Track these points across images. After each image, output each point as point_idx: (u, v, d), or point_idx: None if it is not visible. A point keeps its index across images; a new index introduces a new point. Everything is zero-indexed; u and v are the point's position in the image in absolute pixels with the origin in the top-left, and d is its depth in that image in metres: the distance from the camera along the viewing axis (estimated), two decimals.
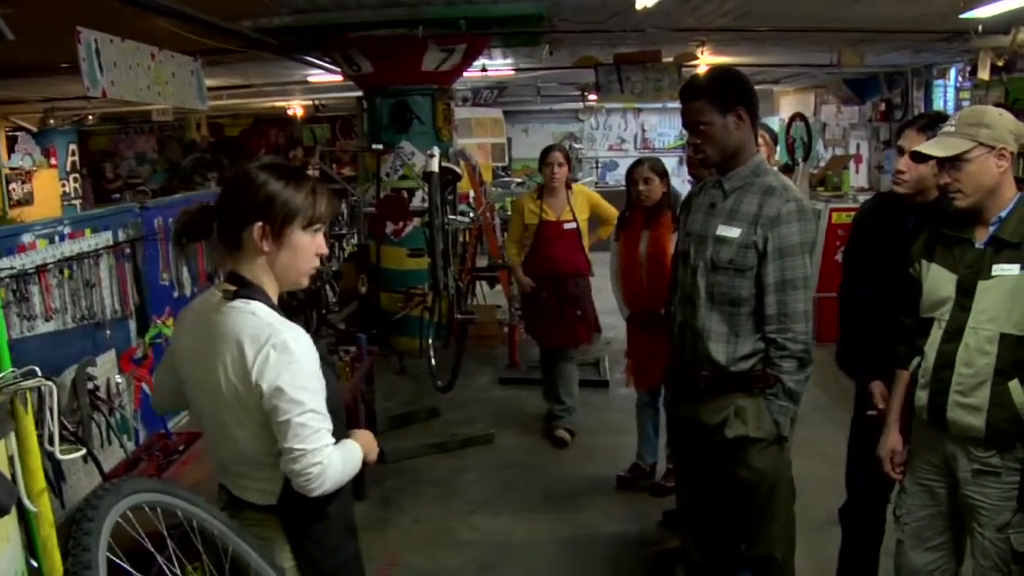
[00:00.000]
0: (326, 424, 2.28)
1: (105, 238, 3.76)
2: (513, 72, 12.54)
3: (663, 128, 20.72)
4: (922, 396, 3.13)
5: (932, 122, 3.40)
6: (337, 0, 7.22)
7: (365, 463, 2.50)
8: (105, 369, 3.68)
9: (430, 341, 6.99)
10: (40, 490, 2.07)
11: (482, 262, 10.15)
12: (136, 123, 19.29)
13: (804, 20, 8.20)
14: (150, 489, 2.14)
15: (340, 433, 2.44)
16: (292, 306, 8.32)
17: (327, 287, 9.64)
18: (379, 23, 7.94)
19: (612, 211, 6.74)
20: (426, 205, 6.60)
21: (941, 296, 3.06)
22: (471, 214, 9.20)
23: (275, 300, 2.39)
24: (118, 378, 3.69)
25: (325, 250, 2.45)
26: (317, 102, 14.63)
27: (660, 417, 5.60)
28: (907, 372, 3.25)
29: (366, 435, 2.59)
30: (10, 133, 15.60)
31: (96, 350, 3.67)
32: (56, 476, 3.16)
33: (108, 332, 3.73)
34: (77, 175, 17.79)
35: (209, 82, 11.59)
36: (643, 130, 21.24)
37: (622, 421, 6.71)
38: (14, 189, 14.69)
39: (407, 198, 8.13)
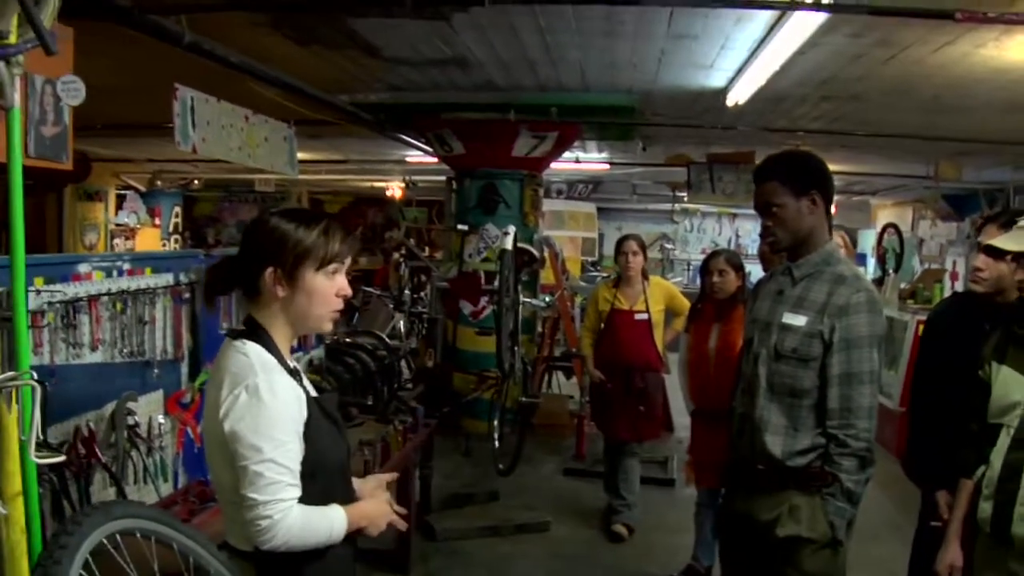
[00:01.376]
0: (287, 478, 2.18)
1: (165, 279, 3.78)
2: (607, 166, 12.55)
3: (757, 235, 20.47)
4: (986, 508, 2.92)
5: (1014, 217, 3.24)
6: (432, 80, 7.33)
7: (362, 533, 2.41)
8: (149, 408, 3.68)
9: (496, 423, 6.89)
10: (15, 493, 2.02)
11: (559, 352, 10.06)
12: (240, 191, 19.77)
13: (900, 127, 8.08)
14: (146, 516, 2.08)
15: (337, 495, 2.36)
16: (363, 378, 8.38)
17: (402, 362, 9.64)
18: (472, 105, 8.06)
19: (687, 305, 6.60)
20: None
21: (1011, 400, 2.88)
22: (548, 300, 9.12)
23: (284, 345, 2.35)
24: (162, 419, 3.66)
25: (348, 291, 2.38)
26: (410, 180, 14.82)
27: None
28: (971, 481, 3.05)
29: (373, 505, 2.48)
30: (120, 191, 16.13)
31: (143, 388, 3.67)
32: (82, 507, 3.13)
33: (156, 371, 3.73)
34: (179, 237, 18.30)
35: (308, 155, 12.03)
36: (737, 235, 21.09)
37: (683, 521, 6.44)
38: (117, 244, 15.20)
39: (486, 279, 8.09)
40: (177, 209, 18.56)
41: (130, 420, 3.40)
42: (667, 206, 19.46)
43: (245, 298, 2.34)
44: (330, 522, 2.29)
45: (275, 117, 6.65)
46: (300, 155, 10.44)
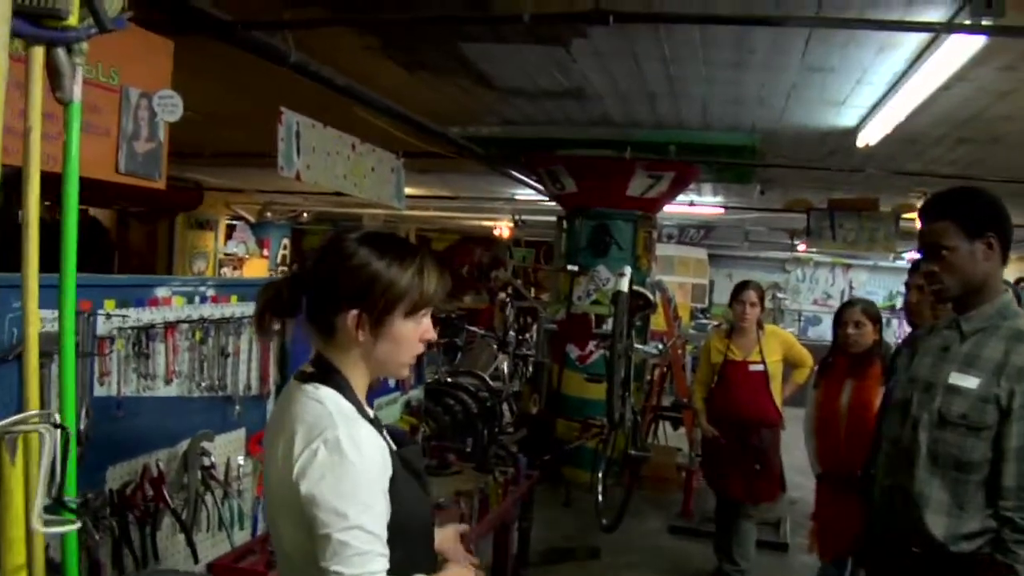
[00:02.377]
0: (376, 547, 1.85)
1: (252, 308, 3.50)
2: (722, 211, 12.15)
3: (872, 287, 19.76)
4: None
5: None
6: (546, 113, 7.07)
7: None
8: (228, 448, 3.40)
9: (600, 475, 6.51)
10: (16, 567, 1.69)
11: (668, 401, 9.64)
12: (348, 225, 19.80)
13: None
14: None
15: (421, 563, 2.05)
16: (463, 421, 8.11)
17: (504, 405, 9.36)
18: (587, 141, 7.81)
19: (806, 355, 6.22)
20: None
21: None
22: (660, 347, 8.73)
23: (361, 390, 2.04)
24: (241, 460, 3.36)
25: (432, 336, 2.07)
26: (519, 218, 14.63)
27: None
28: None
29: (457, 572, 2.19)
30: (230, 221, 16.30)
31: (222, 426, 3.39)
32: (143, 557, 2.85)
33: (238, 408, 3.44)
34: (286, 268, 18.40)
35: (416, 190, 11.90)
36: (851, 287, 20.39)
37: None
38: (225, 273, 15.33)
39: (595, 323, 7.74)
40: (285, 241, 18.73)
41: (205, 460, 3.11)
42: (780, 254, 19.06)
43: (315, 332, 2.03)
44: None
45: (382, 147, 6.45)
46: (408, 190, 10.34)
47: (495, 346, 10.92)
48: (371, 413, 2.06)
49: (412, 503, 2.01)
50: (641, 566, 6.54)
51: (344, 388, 1.97)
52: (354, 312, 1.93)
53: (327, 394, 1.93)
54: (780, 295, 19.81)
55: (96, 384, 2.69)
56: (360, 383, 2.03)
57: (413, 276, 1.97)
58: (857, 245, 10.07)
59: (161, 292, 3.06)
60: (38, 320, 1.83)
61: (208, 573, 3.14)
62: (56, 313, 2.50)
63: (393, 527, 1.91)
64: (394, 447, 2.04)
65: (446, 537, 2.35)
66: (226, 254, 15.81)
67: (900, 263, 18.62)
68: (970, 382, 2.68)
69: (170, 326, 3.02)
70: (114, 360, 2.78)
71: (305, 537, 1.87)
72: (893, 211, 9.72)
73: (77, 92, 1.80)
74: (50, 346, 2.05)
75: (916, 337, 3.08)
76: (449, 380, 8.93)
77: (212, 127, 7.98)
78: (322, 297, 1.97)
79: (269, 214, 16.29)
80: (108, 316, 2.74)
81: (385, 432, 2.07)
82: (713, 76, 5.57)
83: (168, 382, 3.03)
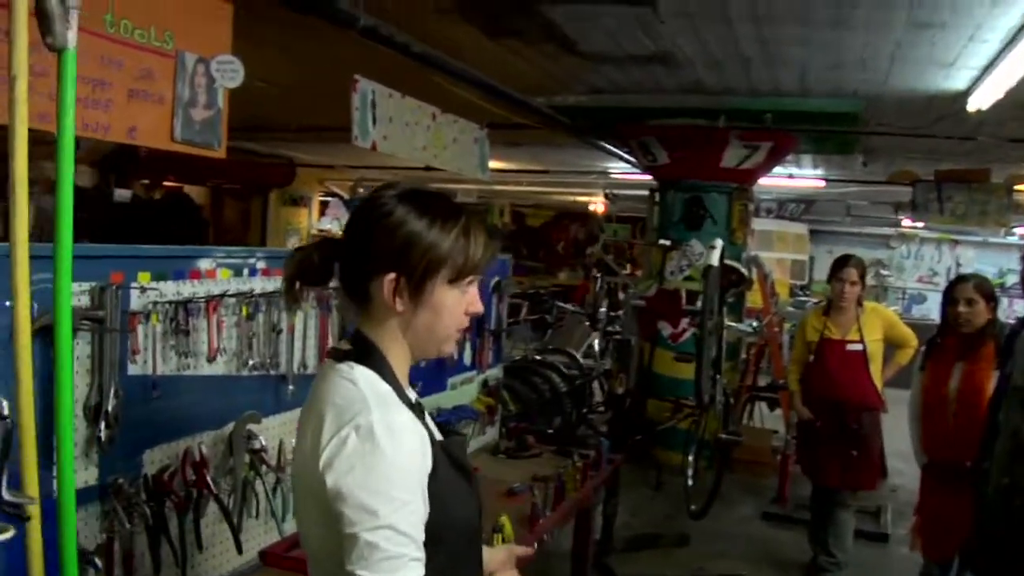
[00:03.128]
0: (410, 550, 1.61)
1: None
2: (822, 184, 11.69)
3: (981, 264, 18.92)
4: None
5: None
6: (635, 81, 6.77)
7: None
8: (282, 430, 3.17)
9: (691, 459, 6.24)
10: None
11: (764, 381, 9.30)
12: (389, 182, 19.81)
13: None
14: None
15: (463, 569, 1.82)
16: (551, 399, 7.92)
17: (593, 384, 9.14)
18: (678, 110, 7.51)
19: (910, 334, 5.83)
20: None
21: None
22: (755, 325, 8.39)
23: (403, 371, 1.81)
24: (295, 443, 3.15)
25: (479, 308, 1.84)
26: (611, 193, 14.38)
27: None
28: None
29: None
30: (323, 197, 16.32)
31: (275, 407, 3.17)
32: (181, 547, 2.69)
33: (292, 388, 3.20)
34: None
35: (506, 164, 11.73)
36: (958, 264, 19.61)
37: None
38: None
39: (687, 299, 7.43)
40: None
41: (255, 443, 2.92)
42: (883, 230, 18.51)
43: (350, 303, 1.81)
44: None
45: (464, 118, 6.24)
46: (498, 164, 10.17)
47: (587, 323, 10.70)
48: (413, 397, 1.84)
49: (456, 502, 1.78)
50: (730, 555, 6.25)
51: (382, 368, 1.74)
52: (391, 276, 1.70)
53: (362, 374, 1.71)
54: (884, 272, 19.17)
55: (128, 363, 2.52)
56: (401, 363, 1.80)
57: (458, 238, 1.74)
58: (966, 219, 9.61)
59: (204, 264, 2.84)
60: (28, 298, 1.65)
61: (260, 562, 2.98)
62: (83, 286, 2.38)
63: (432, 529, 1.68)
64: (439, 436, 1.83)
65: (496, 559, 2.10)
66: (319, 230, 15.83)
67: (1011, 239, 17.86)
68: None
69: (214, 300, 2.81)
70: (147, 337, 2.59)
71: (331, 535, 1.65)
72: (1005, 182, 9.22)
73: (71, 39, 1.61)
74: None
75: None
76: (537, 358, 8.75)
77: (295, 100, 7.89)
78: (356, 261, 1.75)
79: (361, 190, 16.26)
80: (143, 290, 2.55)
81: (428, 419, 1.85)
82: (811, 37, 5.22)
83: (212, 360, 2.83)
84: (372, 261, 1.72)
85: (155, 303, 2.58)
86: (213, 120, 3.43)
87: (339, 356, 1.77)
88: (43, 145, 1.78)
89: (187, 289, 2.72)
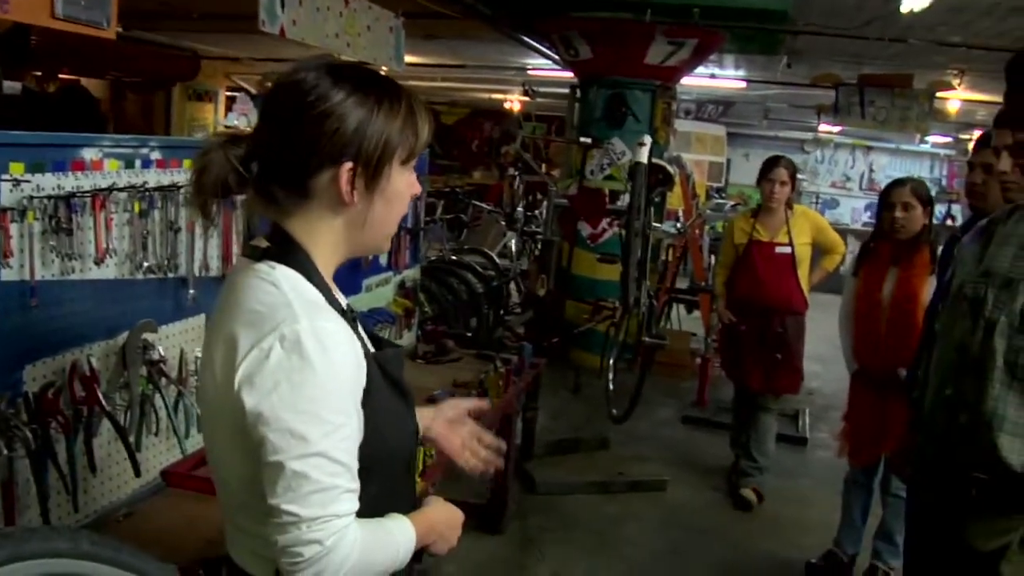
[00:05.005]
0: (343, 480, 1.43)
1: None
2: (744, 84, 11.52)
3: (893, 170, 19.11)
4: None
5: None
6: None
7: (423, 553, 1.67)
8: (184, 338, 2.89)
9: (611, 362, 6.12)
10: None
11: (683, 283, 9.23)
12: (301, 63, 19.34)
13: None
14: (70, 553, 1.32)
15: (399, 498, 1.64)
16: (467, 301, 7.73)
17: (511, 285, 8.98)
18: (603, 3, 7.22)
19: (838, 240, 5.78)
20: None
21: None
22: (679, 226, 8.27)
23: (329, 272, 1.57)
24: (199, 352, 2.85)
25: (419, 188, 1.63)
26: (529, 87, 14.07)
27: (872, 500, 4.62)
28: None
29: (444, 513, 1.74)
30: (230, 92, 15.69)
31: (175, 314, 2.87)
32: (71, 472, 2.43)
33: (193, 293, 2.89)
34: None
35: (421, 58, 11.31)
36: (871, 170, 19.86)
37: (817, 491, 5.71)
38: None
39: (608, 198, 7.25)
40: None
41: (152, 355, 2.63)
42: (799, 134, 18.60)
43: (270, 201, 1.54)
44: (396, 546, 1.56)
45: (380, 5, 5.88)
46: (413, 58, 9.77)
47: (503, 223, 10.48)
48: (343, 302, 1.60)
49: (392, 426, 1.58)
50: (652, 459, 6.21)
51: (308, 268, 1.51)
52: (348, 166, 1.47)
53: (285, 275, 1.48)
54: (798, 176, 19.27)
55: (1, 268, 2.19)
56: (328, 263, 1.58)
57: (407, 116, 1.53)
58: (887, 124, 9.65)
59: (89, 153, 2.48)
60: None
61: (162, 483, 2.73)
62: None
63: (366, 454, 1.48)
64: (371, 348, 1.60)
65: (439, 417, 1.97)
66: (226, 127, 15.22)
67: (924, 147, 18.06)
68: None
69: (100, 195, 2.47)
70: (20, 237, 2.25)
71: (248, 463, 1.44)
72: (928, 89, 9.20)
73: None
74: None
75: (992, 221, 2.55)
76: (453, 258, 8.53)
77: None
78: (291, 155, 1.49)
79: (269, 84, 15.68)
80: (16, 182, 2.20)
81: (361, 328, 1.62)
82: None
83: (100, 262, 2.50)
84: (315, 154, 1.47)
85: (31, 198, 2.23)
86: None
87: (256, 254, 1.53)
88: None
89: (69, 182, 2.37)
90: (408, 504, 1.67)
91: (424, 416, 1.89)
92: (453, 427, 1.99)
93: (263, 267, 1.50)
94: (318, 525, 1.39)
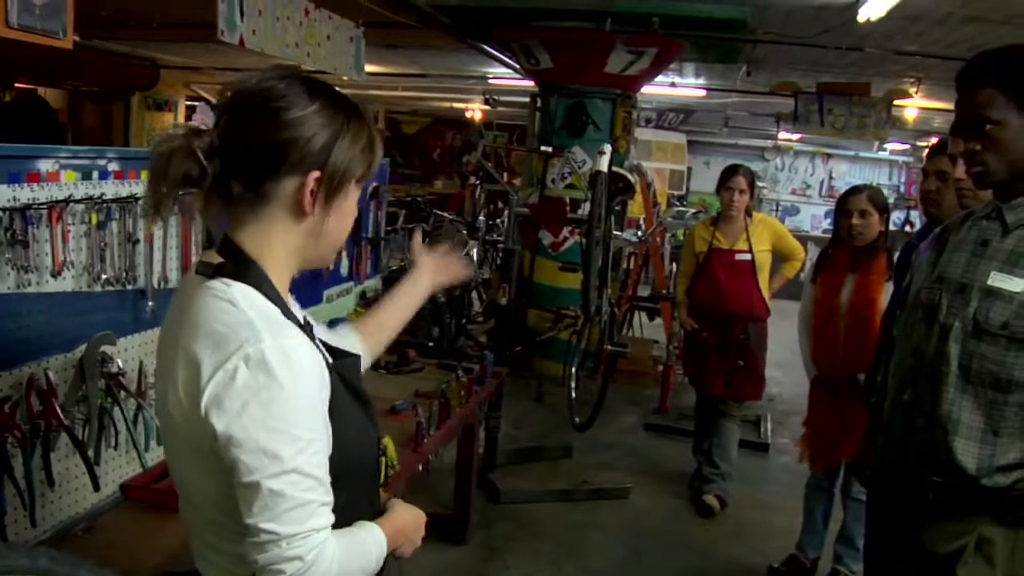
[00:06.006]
0: (317, 495, 1.44)
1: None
2: (703, 93, 11.60)
3: (852, 177, 19.31)
4: None
5: None
6: None
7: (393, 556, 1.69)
8: (141, 351, 2.87)
9: (574, 370, 6.14)
10: None
11: (645, 291, 9.27)
12: (268, 73, 19.27)
13: None
14: (28, 570, 1.32)
15: (364, 505, 1.64)
16: (429, 310, 7.70)
17: (472, 294, 8.96)
18: (563, 12, 7.23)
19: (797, 246, 5.82)
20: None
21: None
22: (640, 234, 8.30)
23: (284, 286, 1.57)
24: None
25: (356, 210, 1.65)
26: (490, 96, 14.06)
27: (834, 504, 4.67)
28: None
29: (408, 515, 1.75)
30: (190, 102, 15.58)
31: (134, 325, 2.85)
32: (28, 487, 2.39)
33: (152, 304, 2.87)
34: None
35: (382, 68, 11.28)
36: (831, 177, 20.03)
37: (780, 497, 5.76)
38: None
39: (569, 207, 7.27)
40: None
41: (111, 367, 2.61)
42: (759, 142, 18.76)
43: (223, 201, 1.52)
44: (370, 554, 1.58)
45: (341, 15, 5.87)
46: (374, 68, 9.75)
47: (464, 232, 10.48)
48: (300, 315, 1.60)
49: (355, 435, 1.59)
50: (615, 466, 6.23)
51: (262, 284, 1.50)
52: (315, 175, 1.48)
53: (242, 292, 1.47)
54: (759, 184, 19.43)
55: None
56: (283, 276, 1.57)
57: (369, 136, 1.56)
58: (846, 131, 9.75)
59: (45, 165, 2.46)
60: None
61: (121, 496, 2.70)
62: None
63: (333, 464, 1.48)
64: (330, 359, 1.59)
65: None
66: None
67: (882, 154, 18.26)
68: (1015, 284, 2.22)
69: (56, 206, 2.45)
70: None
71: (217, 483, 1.43)
72: (885, 97, 9.32)
73: None
74: None
75: (945, 228, 2.59)
76: None
77: None
78: (260, 156, 1.48)
79: (241, 88, 15.58)
80: None
81: (318, 340, 1.62)
82: None
83: (57, 275, 2.49)
84: (285, 158, 1.47)
85: None
86: (57, 4, 3.05)
87: (209, 271, 1.51)
88: None
89: (24, 194, 2.36)
90: (373, 512, 1.68)
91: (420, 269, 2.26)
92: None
93: (218, 285, 1.48)
94: (297, 541, 1.40)
